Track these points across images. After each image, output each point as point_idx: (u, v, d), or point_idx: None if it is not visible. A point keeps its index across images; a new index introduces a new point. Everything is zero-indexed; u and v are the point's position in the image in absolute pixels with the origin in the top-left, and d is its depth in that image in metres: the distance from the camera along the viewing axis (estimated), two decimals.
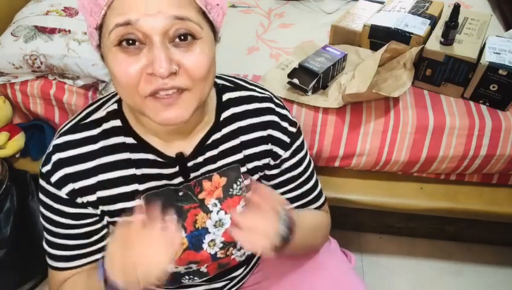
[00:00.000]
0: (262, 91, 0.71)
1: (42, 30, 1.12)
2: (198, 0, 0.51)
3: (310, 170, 0.75)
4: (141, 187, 0.63)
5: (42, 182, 0.62)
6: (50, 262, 0.67)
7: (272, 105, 0.69)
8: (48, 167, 0.61)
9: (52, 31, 1.12)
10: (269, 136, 0.68)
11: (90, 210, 0.63)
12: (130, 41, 0.50)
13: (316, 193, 0.76)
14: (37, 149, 1.23)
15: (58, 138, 0.62)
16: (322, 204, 0.78)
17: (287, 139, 0.69)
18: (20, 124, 1.24)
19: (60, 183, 0.61)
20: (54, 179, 0.61)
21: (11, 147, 1.18)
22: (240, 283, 0.82)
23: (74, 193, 0.61)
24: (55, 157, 0.61)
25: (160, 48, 0.49)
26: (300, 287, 0.77)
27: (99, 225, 0.66)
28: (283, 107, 0.71)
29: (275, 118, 0.68)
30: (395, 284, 1.31)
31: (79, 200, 0.62)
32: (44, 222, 0.65)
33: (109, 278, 0.52)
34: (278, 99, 0.71)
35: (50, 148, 0.62)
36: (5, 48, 1.10)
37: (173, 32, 0.50)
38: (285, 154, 0.70)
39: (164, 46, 0.49)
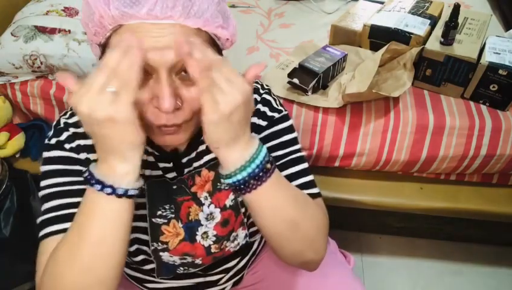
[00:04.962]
0: (257, 86, 0.71)
1: (42, 30, 1.12)
2: (207, 28, 0.51)
3: (293, 156, 0.68)
4: (146, 172, 0.65)
5: (52, 152, 0.61)
6: (45, 230, 0.59)
7: (256, 96, 0.69)
8: (61, 138, 0.61)
9: (52, 31, 1.12)
10: (251, 124, 0.66)
11: None
12: None
13: (302, 181, 0.68)
14: (37, 149, 1.23)
15: (69, 118, 0.63)
16: (312, 196, 0.67)
17: (262, 122, 0.67)
18: (20, 124, 1.24)
19: (77, 150, 0.61)
20: (69, 146, 0.61)
21: (11, 147, 1.18)
22: (236, 278, 0.82)
23: (88, 161, 0.62)
24: (69, 131, 0.62)
25: (166, 83, 0.49)
26: (298, 289, 0.77)
27: None
28: (269, 94, 0.70)
29: (258, 106, 0.68)
30: (395, 284, 1.31)
31: None
32: (47, 190, 0.60)
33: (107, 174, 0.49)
34: (266, 87, 0.71)
35: (61, 124, 0.62)
36: (5, 48, 1.10)
37: (180, 65, 0.50)
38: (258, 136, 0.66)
39: (170, 80, 0.50)
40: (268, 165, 0.54)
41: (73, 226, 0.52)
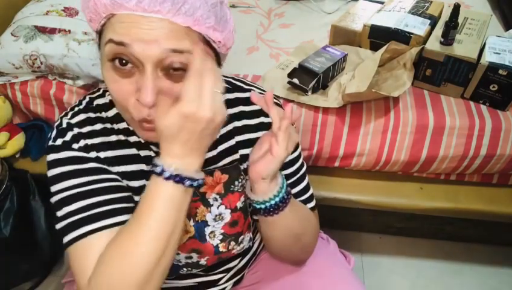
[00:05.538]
0: (260, 92, 0.72)
1: (42, 30, 1.12)
2: (197, 28, 0.51)
3: (301, 172, 0.73)
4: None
5: (61, 153, 0.59)
6: (76, 233, 0.55)
7: None
8: (66, 138, 0.60)
9: (52, 31, 1.12)
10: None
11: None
12: (124, 61, 0.50)
13: (306, 196, 0.74)
14: (37, 149, 1.22)
15: (71, 118, 0.62)
16: (311, 209, 0.75)
17: None
18: (20, 124, 1.24)
19: (86, 149, 0.61)
20: (78, 146, 0.60)
21: (11, 147, 1.18)
22: (236, 277, 0.82)
23: (99, 159, 0.61)
24: (74, 131, 0.61)
25: (150, 77, 0.49)
26: (298, 289, 0.77)
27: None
28: (280, 106, 0.71)
29: (269, 120, 0.67)
30: (395, 284, 1.31)
31: (104, 165, 0.61)
32: (66, 193, 0.58)
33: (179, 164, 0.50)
34: (275, 99, 0.71)
35: (63, 125, 0.62)
36: (5, 48, 1.10)
37: (168, 62, 0.50)
38: None
39: (154, 75, 0.50)
40: (289, 189, 0.63)
41: (144, 223, 0.51)
